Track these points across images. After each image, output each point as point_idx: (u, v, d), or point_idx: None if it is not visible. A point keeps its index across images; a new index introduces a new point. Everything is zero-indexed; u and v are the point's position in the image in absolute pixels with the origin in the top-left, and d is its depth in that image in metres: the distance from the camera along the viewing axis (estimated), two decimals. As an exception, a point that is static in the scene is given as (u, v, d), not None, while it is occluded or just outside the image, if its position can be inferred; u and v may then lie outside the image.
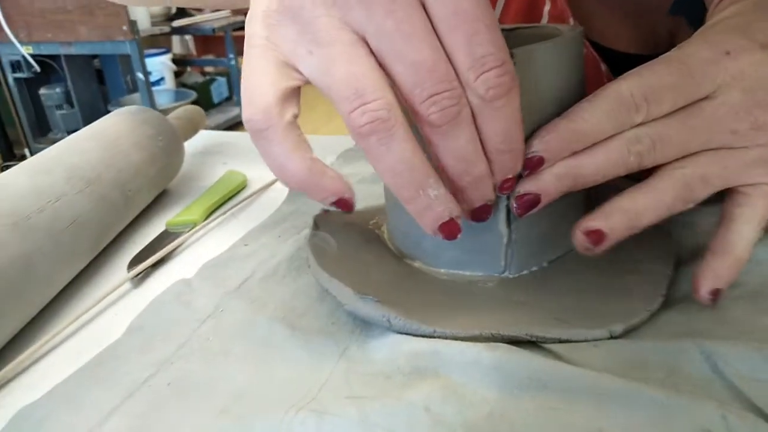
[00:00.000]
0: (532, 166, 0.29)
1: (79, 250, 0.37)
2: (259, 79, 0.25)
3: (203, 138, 0.65)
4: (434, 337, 0.29)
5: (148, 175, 0.45)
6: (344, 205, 0.27)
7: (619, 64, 0.43)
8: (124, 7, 2.15)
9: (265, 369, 0.29)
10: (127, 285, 0.38)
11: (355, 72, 0.24)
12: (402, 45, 0.24)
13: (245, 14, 0.28)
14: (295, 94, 0.26)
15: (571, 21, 0.42)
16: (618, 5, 0.45)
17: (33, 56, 2.41)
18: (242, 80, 0.26)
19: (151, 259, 0.38)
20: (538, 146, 0.29)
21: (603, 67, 0.42)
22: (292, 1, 0.25)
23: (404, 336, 0.29)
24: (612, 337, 0.29)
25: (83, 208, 0.37)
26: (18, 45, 2.32)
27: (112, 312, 0.36)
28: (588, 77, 0.34)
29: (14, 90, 2.54)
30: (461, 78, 0.25)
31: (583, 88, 0.33)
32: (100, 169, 0.40)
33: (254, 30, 0.26)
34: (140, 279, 0.38)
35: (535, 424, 0.25)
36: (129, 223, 0.45)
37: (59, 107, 2.57)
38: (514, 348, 0.28)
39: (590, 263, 0.34)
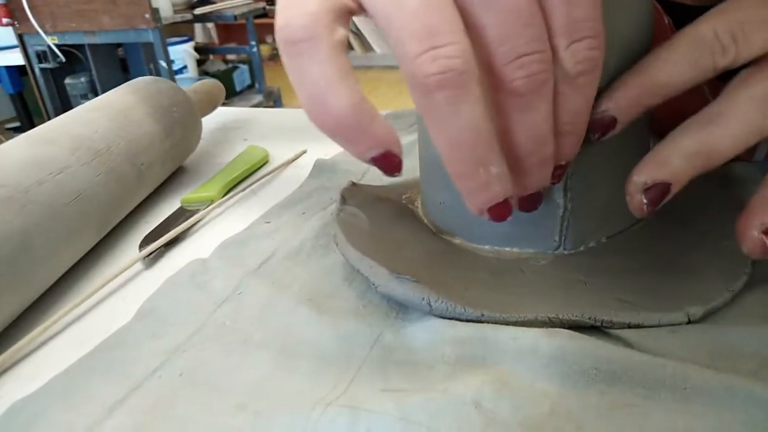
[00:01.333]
0: (603, 127, 0.25)
1: (84, 227, 0.34)
2: None
3: (223, 114, 0.62)
4: (482, 322, 0.25)
5: (163, 149, 0.42)
6: (389, 162, 0.22)
7: (683, 18, 0.38)
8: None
9: (287, 358, 0.26)
10: (139, 266, 0.35)
11: (430, 4, 0.19)
12: None
13: (266, 0, 0.23)
14: (346, 14, 0.21)
15: None
16: None
17: (58, 46, 2.41)
18: None
19: (164, 238, 0.35)
20: (608, 104, 0.25)
21: (666, 19, 0.37)
22: None
23: (447, 320, 0.25)
24: (690, 322, 0.25)
25: (90, 181, 0.34)
26: (44, 35, 2.33)
27: (121, 295, 0.32)
28: None
29: (40, 80, 2.55)
30: (551, 41, 0.21)
31: (651, 41, 0.29)
32: (110, 139, 0.37)
33: None
34: (152, 259, 0.35)
35: (608, 425, 0.21)
36: (142, 201, 0.42)
37: (84, 96, 2.57)
38: (576, 334, 0.24)
39: (656, 238, 0.30)
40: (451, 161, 0.22)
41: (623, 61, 0.27)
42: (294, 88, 0.21)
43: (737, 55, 0.24)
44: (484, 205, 0.23)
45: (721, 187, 0.34)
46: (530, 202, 0.26)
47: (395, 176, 0.22)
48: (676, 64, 0.24)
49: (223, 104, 0.59)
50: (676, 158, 0.24)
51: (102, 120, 0.38)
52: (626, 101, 0.25)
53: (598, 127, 0.25)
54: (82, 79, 2.56)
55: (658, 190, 0.24)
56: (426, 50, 0.19)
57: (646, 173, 0.24)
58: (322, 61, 0.20)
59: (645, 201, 0.24)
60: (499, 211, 0.23)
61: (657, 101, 0.25)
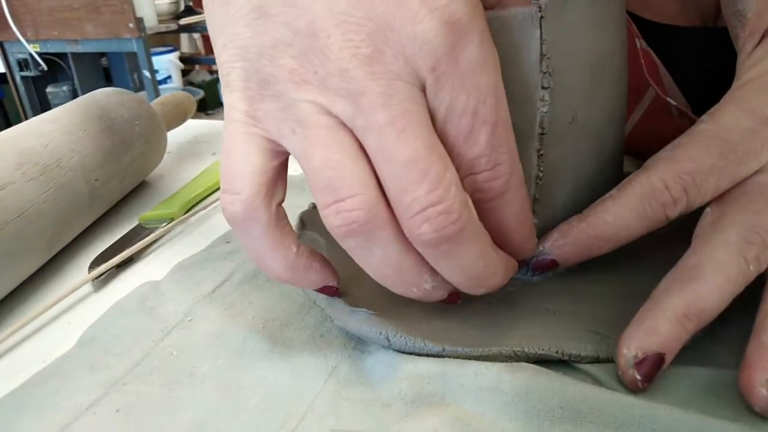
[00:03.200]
0: (543, 268, 0.26)
1: (28, 247, 0.32)
2: (239, 163, 0.22)
3: (192, 127, 0.60)
4: (443, 356, 0.23)
5: (122, 164, 0.40)
6: (328, 291, 0.25)
7: (661, 37, 0.37)
8: (131, 5, 2.12)
9: (236, 392, 0.24)
10: (88, 288, 0.33)
11: (331, 160, 0.20)
12: (392, 141, 0.19)
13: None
14: (281, 173, 0.23)
15: None
16: None
17: (40, 54, 2.38)
18: (223, 157, 0.22)
19: (116, 258, 0.33)
20: (552, 250, 0.25)
21: (638, 43, 0.36)
22: (270, 80, 0.20)
23: (407, 354, 0.24)
24: (661, 356, 0.23)
25: (35, 198, 0.32)
26: (25, 43, 2.30)
27: (66, 320, 0.30)
28: None
29: (21, 88, 2.52)
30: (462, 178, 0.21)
31: (626, 56, 0.28)
32: (61, 154, 0.35)
33: (233, 102, 0.21)
34: (103, 281, 0.33)
35: (573, 471, 0.19)
36: (99, 218, 0.40)
37: (65, 105, 2.54)
38: (542, 369, 0.23)
39: (627, 266, 0.29)
40: (383, 284, 0.23)
41: (595, 76, 0.26)
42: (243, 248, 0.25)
43: (689, 205, 0.24)
44: (432, 302, 0.24)
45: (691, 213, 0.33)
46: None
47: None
48: (624, 218, 0.24)
49: (208, 115, 0.57)
50: (665, 324, 0.21)
51: (55, 133, 0.36)
52: (568, 248, 0.25)
53: (537, 267, 0.26)
54: (64, 88, 2.53)
55: (651, 363, 0.21)
56: (329, 204, 0.20)
57: (635, 345, 0.21)
58: (258, 238, 0.22)
59: (638, 377, 0.21)
60: (451, 300, 0.24)
61: (602, 252, 0.25)
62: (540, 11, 0.24)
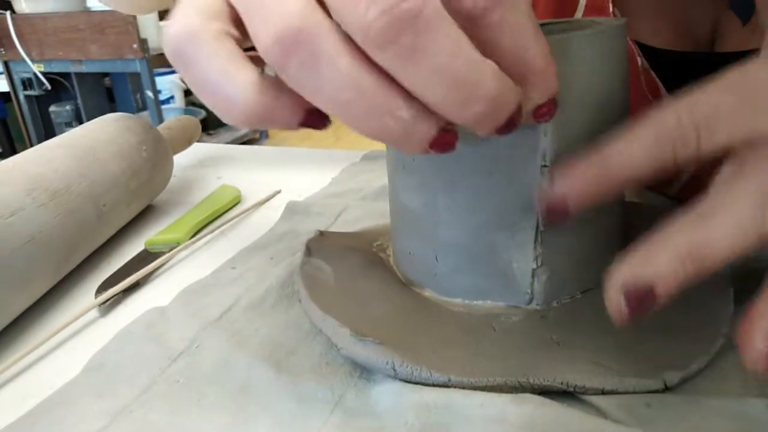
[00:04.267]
0: (554, 209, 0.24)
1: (37, 273, 0.32)
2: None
3: (197, 150, 0.60)
4: (449, 386, 0.24)
5: (128, 188, 0.41)
6: (317, 119, 0.20)
7: (657, 61, 0.38)
8: (135, 26, 2.14)
9: (242, 421, 0.24)
10: (94, 313, 0.33)
11: None
12: None
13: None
14: (227, 15, 0.20)
15: (611, 7, 0.38)
16: None
17: (44, 74, 2.40)
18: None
19: (123, 284, 0.33)
20: (561, 184, 0.24)
21: (640, 61, 0.37)
22: None
23: (413, 384, 0.24)
24: (666, 388, 0.24)
25: (45, 223, 0.33)
26: (30, 63, 2.32)
27: (72, 345, 0.31)
28: None
29: (25, 107, 2.53)
30: None
31: (627, 89, 0.28)
32: (70, 179, 0.36)
33: None
34: (109, 306, 0.33)
35: (579, 505, 0.19)
36: (105, 242, 0.40)
37: (68, 124, 2.56)
38: (546, 401, 0.23)
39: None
40: (347, 121, 0.19)
41: (598, 111, 0.26)
42: (193, 90, 0.20)
43: (699, 148, 0.22)
44: (420, 145, 0.19)
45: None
46: (506, 127, 0.20)
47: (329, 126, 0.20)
48: (634, 147, 0.22)
49: (209, 135, 0.57)
50: (664, 256, 0.20)
51: (64, 158, 0.37)
52: (581, 181, 0.23)
53: (550, 212, 0.24)
54: (67, 107, 2.55)
55: (639, 293, 0.20)
56: (258, 27, 0.18)
57: (628, 269, 0.21)
58: (208, 54, 0.19)
59: (623, 304, 0.20)
60: (442, 142, 0.19)
61: (609, 191, 0.23)
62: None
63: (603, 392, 0.24)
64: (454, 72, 0.17)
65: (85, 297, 0.35)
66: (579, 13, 0.40)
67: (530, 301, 0.28)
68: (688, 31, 0.40)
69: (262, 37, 0.17)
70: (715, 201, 0.21)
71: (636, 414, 0.22)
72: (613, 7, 0.38)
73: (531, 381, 0.23)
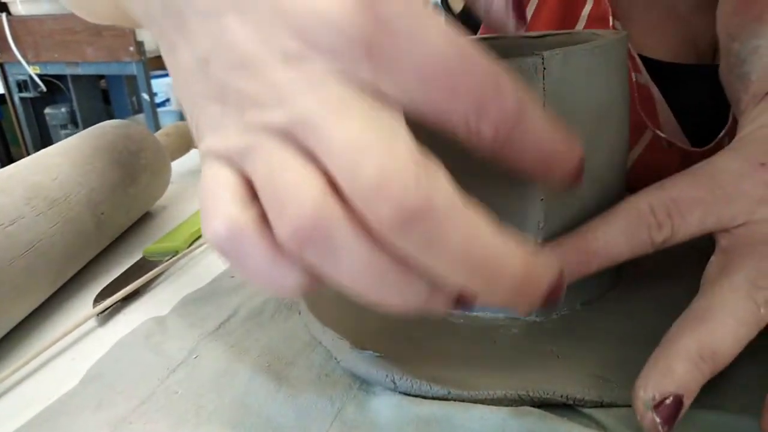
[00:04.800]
0: None
1: (37, 281, 0.32)
2: (212, 189, 0.19)
3: (196, 156, 0.60)
4: (449, 399, 0.24)
5: (127, 196, 0.41)
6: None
7: (659, 74, 0.38)
8: (132, 29, 2.14)
9: (241, 433, 0.24)
10: (92, 322, 0.33)
11: (272, 172, 0.18)
12: (329, 126, 0.17)
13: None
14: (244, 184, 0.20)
15: (611, 20, 0.38)
16: (663, 7, 0.40)
17: (39, 76, 2.40)
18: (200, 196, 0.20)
19: (121, 293, 0.33)
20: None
21: (634, 76, 0.37)
22: (217, 120, 0.19)
23: (413, 396, 0.24)
24: (664, 400, 0.24)
25: (44, 232, 0.32)
26: (26, 65, 2.31)
27: (71, 355, 0.31)
28: None
29: (20, 109, 2.52)
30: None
31: (627, 102, 0.28)
32: (69, 188, 0.36)
33: (201, 147, 0.21)
34: (107, 315, 0.33)
35: None
36: (103, 250, 0.40)
37: (63, 127, 2.55)
38: (546, 414, 0.23)
39: (631, 307, 0.29)
40: (372, 300, 0.19)
41: (597, 126, 0.27)
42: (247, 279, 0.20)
43: (674, 233, 0.24)
44: (438, 310, 0.20)
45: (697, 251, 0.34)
46: (545, 305, 0.20)
47: None
48: (611, 234, 0.25)
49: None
50: (680, 365, 0.21)
51: (63, 166, 0.37)
52: (565, 266, 0.24)
53: None
54: (63, 110, 2.54)
55: (671, 405, 0.21)
56: (276, 218, 0.18)
57: (651, 386, 0.21)
58: (256, 254, 0.19)
59: (658, 420, 0.21)
60: (462, 303, 0.20)
61: (591, 269, 0.25)
62: (542, 61, 0.24)
63: (602, 405, 0.24)
64: (473, 257, 0.18)
65: (83, 306, 0.35)
66: (581, 25, 0.41)
67: (530, 313, 0.28)
68: (690, 43, 0.40)
69: (278, 227, 0.18)
70: (711, 301, 0.23)
71: (635, 426, 0.22)
72: (614, 19, 0.38)
73: (531, 394, 0.24)
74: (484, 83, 0.18)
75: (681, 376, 0.21)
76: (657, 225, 0.24)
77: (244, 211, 0.19)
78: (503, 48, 0.33)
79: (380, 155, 0.17)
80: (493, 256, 0.18)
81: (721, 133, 0.36)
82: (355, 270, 0.18)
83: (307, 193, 0.17)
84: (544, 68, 0.25)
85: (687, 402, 0.21)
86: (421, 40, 0.17)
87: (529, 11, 0.43)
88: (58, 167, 0.36)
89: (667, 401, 0.21)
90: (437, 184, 0.17)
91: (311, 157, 0.18)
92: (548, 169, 0.21)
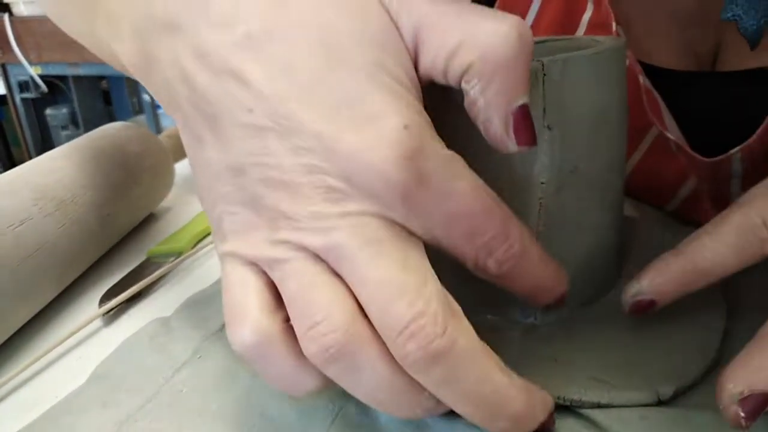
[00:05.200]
0: (642, 310, 0.26)
1: (44, 281, 0.32)
2: (237, 293, 0.21)
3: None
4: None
5: (131, 197, 0.41)
6: None
7: (659, 80, 0.38)
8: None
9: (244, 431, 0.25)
10: (98, 323, 0.33)
11: (304, 286, 0.20)
12: (365, 264, 0.20)
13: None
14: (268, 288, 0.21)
15: (614, 26, 0.38)
16: (663, 13, 0.41)
17: (41, 76, 2.40)
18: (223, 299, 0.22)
19: (125, 294, 0.34)
20: (650, 289, 0.25)
21: (641, 79, 0.37)
22: (250, 228, 0.21)
23: (413, 397, 0.25)
24: (660, 401, 0.24)
25: (51, 233, 0.33)
26: (27, 66, 2.32)
27: (77, 354, 0.31)
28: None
29: (21, 110, 2.53)
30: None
31: (626, 109, 0.29)
32: (75, 189, 0.36)
33: (224, 249, 0.22)
34: (113, 316, 0.34)
35: None
36: (107, 251, 0.41)
37: (64, 127, 2.55)
38: (544, 416, 0.23)
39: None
40: (383, 410, 0.21)
41: (596, 131, 0.27)
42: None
43: None
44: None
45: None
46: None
47: None
48: (722, 253, 0.24)
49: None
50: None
51: (68, 168, 0.37)
52: (667, 286, 0.25)
53: (636, 309, 0.26)
54: (64, 110, 2.54)
55: (756, 402, 0.21)
56: (306, 331, 0.19)
57: (742, 382, 0.21)
58: (279, 360, 0.20)
59: (742, 414, 0.21)
60: None
61: (698, 286, 0.25)
62: (543, 68, 0.25)
63: (599, 406, 0.24)
64: (481, 397, 0.20)
65: (88, 306, 0.35)
66: (582, 29, 0.41)
67: (528, 315, 0.29)
68: (690, 50, 0.41)
69: (305, 341, 0.19)
70: None
71: (632, 427, 0.23)
72: (616, 24, 0.38)
73: (529, 395, 0.24)
74: (498, 232, 0.21)
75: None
76: None
77: (271, 321, 0.20)
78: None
79: (412, 296, 0.19)
80: (500, 396, 0.20)
81: (735, 150, 0.36)
82: (374, 388, 0.20)
83: (339, 315, 0.19)
84: (544, 74, 0.25)
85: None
86: (453, 195, 0.20)
87: (530, 16, 0.44)
88: (63, 169, 0.37)
89: (753, 397, 0.21)
90: (461, 328, 0.20)
91: (342, 281, 0.20)
92: (538, 296, 0.24)
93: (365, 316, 0.20)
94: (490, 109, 0.21)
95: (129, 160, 0.42)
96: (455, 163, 0.20)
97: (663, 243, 0.32)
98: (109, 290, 0.35)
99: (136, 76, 0.24)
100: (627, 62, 0.30)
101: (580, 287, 0.29)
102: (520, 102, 0.21)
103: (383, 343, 0.19)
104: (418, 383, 0.20)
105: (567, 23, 0.42)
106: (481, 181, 0.21)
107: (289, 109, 0.19)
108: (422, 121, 0.20)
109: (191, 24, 0.20)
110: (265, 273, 0.21)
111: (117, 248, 0.42)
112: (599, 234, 0.29)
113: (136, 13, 0.22)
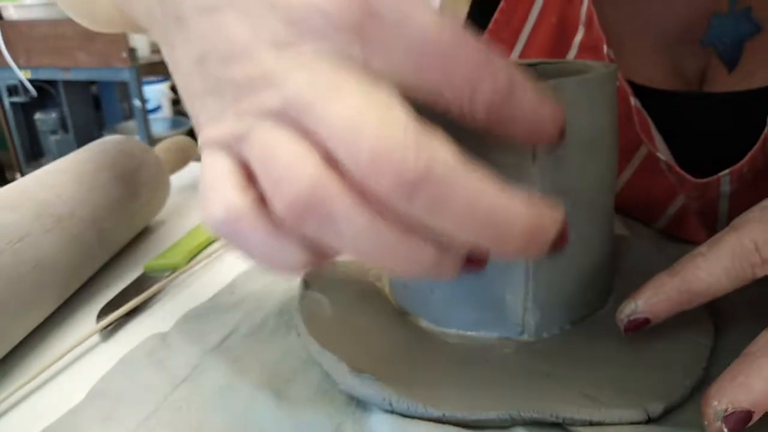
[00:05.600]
0: (637, 327, 0.26)
1: (42, 297, 0.33)
2: (211, 174, 0.20)
3: (194, 170, 0.61)
4: (443, 422, 0.25)
5: (128, 212, 0.41)
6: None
7: (647, 100, 0.39)
8: (124, 35, 2.14)
9: (244, 449, 0.25)
10: (96, 338, 0.34)
11: (267, 150, 0.19)
12: (321, 102, 0.19)
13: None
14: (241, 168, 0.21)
15: (605, 49, 0.39)
16: (651, 35, 0.42)
17: (30, 81, 2.39)
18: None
19: (122, 309, 0.34)
20: (645, 308, 0.26)
21: (632, 100, 0.38)
22: (214, 111, 0.20)
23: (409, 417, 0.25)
24: (650, 419, 0.25)
25: (50, 248, 0.33)
26: (17, 70, 2.30)
27: (75, 370, 0.31)
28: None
29: (9, 114, 2.51)
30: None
31: (616, 132, 0.30)
32: (74, 205, 0.36)
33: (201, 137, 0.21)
34: (110, 331, 0.34)
35: None
36: (104, 266, 0.41)
37: (53, 132, 2.54)
38: (537, 433, 0.24)
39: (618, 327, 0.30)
40: (383, 266, 0.20)
41: (587, 155, 0.28)
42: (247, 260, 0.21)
43: None
44: (448, 274, 0.20)
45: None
46: (552, 250, 0.21)
47: None
48: (715, 275, 0.25)
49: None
50: (759, 383, 0.22)
51: (67, 183, 0.37)
52: (662, 305, 0.26)
53: (631, 327, 0.26)
54: (53, 115, 2.53)
55: (739, 418, 0.22)
56: (273, 194, 0.19)
57: (726, 399, 0.22)
58: (256, 238, 0.20)
59: (726, 430, 0.22)
60: (475, 263, 0.21)
61: (691, 306, 0.26)
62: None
63: (591, 424, 0.25)
64: (481, 215, 0.18)
65: (85, 321, 0.36)
66: (573, 51, 0.42)
67: (522, 332, 0.29)
68: (678, 71, 0.42)
69: (275, 203, 0.19)
70: None
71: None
72: (608, 48, 0.39)
73: (522, 414, 0.25)
74: (476, 63, 0.19)
75: (757, 393, 0.22)
76: (761, 262, 0.24)
77: (241, 196, 0.19)
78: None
79: (376, 128, 0.17)
80: (500, 210, 0.19)
81: (725, 172, 0.37)
82: (357, 238, 0.19)
83: (302, 167, 0.18)
84: None
85: (755, 417, 0.22)
86: (411, 24, 0.18)
87: (523, 36, 0.45)
88: (63, 185, 0.37)
89: (737, 414, 0.22)
90: (436, 151, 0.18)
91: (307, 135, 0.18)
92: (535, 134, 0.22)
93: (337, 166, 0.18)
94: None
95: (126, 175, 0.42)
96: None
97: (653, 260, 0.33)
98: (106, 305, 0.36)
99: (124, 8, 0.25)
100: (617, 84, 0.31)
101: (572, 305, 0.30)
102: None
103: (357, 191, 0.18)
104: (408, 229, 0.19)
105: (558, 45, 0.43)
106: (445, 18, 0.19)
107: None
108: None
109: None
110: (239, 153, 0.20)
111: (113, 262, 0.42)
112: (591, 253, 0.30)
113: None
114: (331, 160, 0.18)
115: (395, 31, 0.18)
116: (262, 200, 0.19)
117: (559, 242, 0.21)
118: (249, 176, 0.20)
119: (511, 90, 0.20)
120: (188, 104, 0.22)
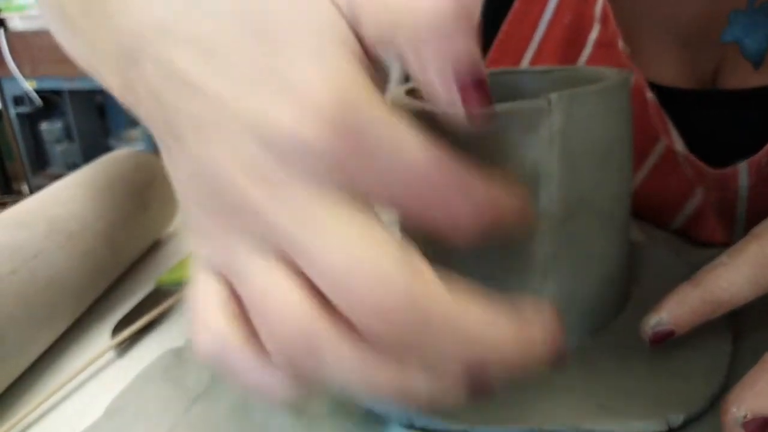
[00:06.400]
0: (662, 339, 0.26)
1: (56, 314, 0.33)
2: (200, 298, 0.21)
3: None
4: (465, 435, 0.25)
5: (139, 226, 0.42)
6: None
7: (660, 98, 0.39)
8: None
9: (263, 466, 0.25)
10: (111, 354, 0.34)
11: (257, 289, 0.19)
12: (310, 238, 0.18)
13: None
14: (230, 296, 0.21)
15: (621, 44, 0.39)
16: (666, 32, 0.41)
17: (36, 91, 2.40)
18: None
19: (137, 325, 0.34)
20: (669, 319, 0.26)
21: (648, 94, 0.38)
22: (208, 235, 0.20)
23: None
24: (670, 429, 0.25)
25: (63, 265, 0.33)
26: (22, 80, 2.32)
27: (92, 386, 0.31)
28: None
29: (15, 124, 2.53)
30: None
31: (631, 139, 0.30)
32: (86, 220, 0.36)
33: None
34: (126, 347, 0.34)
35: None
36: (116, 281, 0.41)
37: (59, 142, 2.55)
38: (557, 446, 0.24)
39: (638, 334, 0.30)
40: (374, 401, 0.21)
41: (601, 167, 0.28)
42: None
43: None
44: (452, 402, 0.20)
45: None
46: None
47: None
48: (738, 284, 0.25)
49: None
50: None
51: (80, 198, 0.38)
52: (686, 316, 0.26)
53: (656, 340, 0.26)
54: (59, 125, 2.55)
55: (757, 425, 0.22)
56: (262, 331, 0.19)
57: (746, 405, 0.22)
58: (243, 373, 0.20)
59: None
60: (478, 391, 0.20)
61: (715, 315, 0.26)
62: (549, 104, 0.26)
63: (611, 435, 0.25)
64: (467, 344, 0.19)
65: (100, 337, 0.36)
66: (588, 48, 0.42)
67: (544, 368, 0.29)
68: (691, 68, 0.42)
69: (266, 341, 0.19)
70: None
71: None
72: (624, 43, 0.39)
73: (543, 428, 0.24)
74: (457, 193, 0.19)
75: None
76: None
77: (233, 331, 0.20)
78: (508, 82, 0.34)
79: (370, 272, 0.17)
80: (487, 341, 0.19)
81: (743, 162, 0.37)
82: (350, 376, 0.19)
83: (292, 312, 0.18)
84: (551, 110, 0.26)
85: None
86: (401, 158, 0.18)
87: (538, 35, 0.44)
88: (75, 199, 0.37)
89: (756, 421, 0.22)
90: (428, 287, 0.18)
91: (300, 273, 0.19)
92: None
93: (328, 303, 0.18)
94: (428, 73, 0.19)
95: (137, 189, 0.42)
96: (396, 121, 0.18)
97: (670, 266, 0.33)
98: (120, 321, 0.36)
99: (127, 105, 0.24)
100: (633, 80, 0.31)
101: (589, 315, 0.30)
102: (461, 65, 0.19)
103: (351, 328, 0.18)
104: (398, 361, 0.19)
105: (574, 42, 0.43)
106: (430, 143, 0.19)
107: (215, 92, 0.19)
108: (354, 80, 0.18)
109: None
110: (228, 281, 0.21)
111: (125, 277, 0.42)
112: (607, 262, 0.30)
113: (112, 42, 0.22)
114: (322, 297, 0.19)
115: (384, 165, 0.18)
116: (253, 332, 0.20)
117: (560, 360, 0.21)
118: (240, 303, 0.20)
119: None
120: (182, 205, 0.22)
